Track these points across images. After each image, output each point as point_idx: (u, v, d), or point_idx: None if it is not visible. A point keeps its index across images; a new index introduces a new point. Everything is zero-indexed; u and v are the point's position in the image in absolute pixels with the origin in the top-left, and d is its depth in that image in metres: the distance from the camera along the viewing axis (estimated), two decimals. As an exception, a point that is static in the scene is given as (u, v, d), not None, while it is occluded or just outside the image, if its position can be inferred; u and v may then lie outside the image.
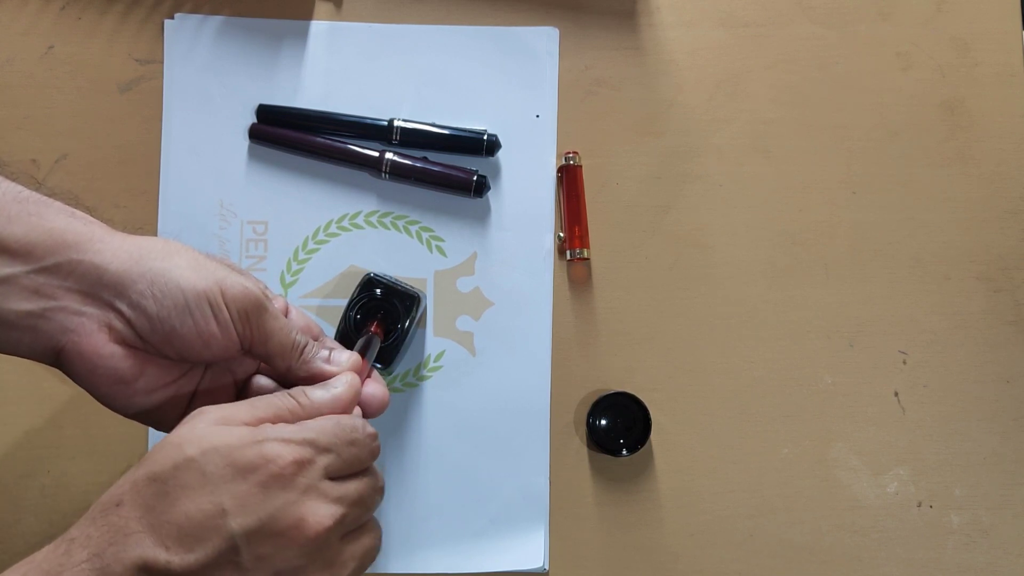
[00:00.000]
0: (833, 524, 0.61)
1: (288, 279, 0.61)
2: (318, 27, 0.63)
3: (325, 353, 0.47)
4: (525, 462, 0.60)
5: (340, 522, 0.40)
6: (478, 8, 0.63)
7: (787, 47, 0.64)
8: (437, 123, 0.62)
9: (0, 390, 0.60)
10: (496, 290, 0.62)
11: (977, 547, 0.61)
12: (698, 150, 0.63)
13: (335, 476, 0.41)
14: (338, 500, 0.40)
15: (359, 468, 0.43)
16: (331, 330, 0.60)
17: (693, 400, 0.61)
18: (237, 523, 0.37)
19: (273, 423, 0.41)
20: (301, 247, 0.62)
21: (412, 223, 0.62)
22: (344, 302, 0.57)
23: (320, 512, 0.39)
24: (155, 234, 0.61)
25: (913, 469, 0.61)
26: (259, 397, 0.43)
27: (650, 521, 0.60)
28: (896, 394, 0.62)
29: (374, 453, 0.44)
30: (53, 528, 0.59)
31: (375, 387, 0.48)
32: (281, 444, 0.39)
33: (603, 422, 0.59)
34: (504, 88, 0.63)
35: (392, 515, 0.60)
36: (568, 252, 0.62)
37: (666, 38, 0.64)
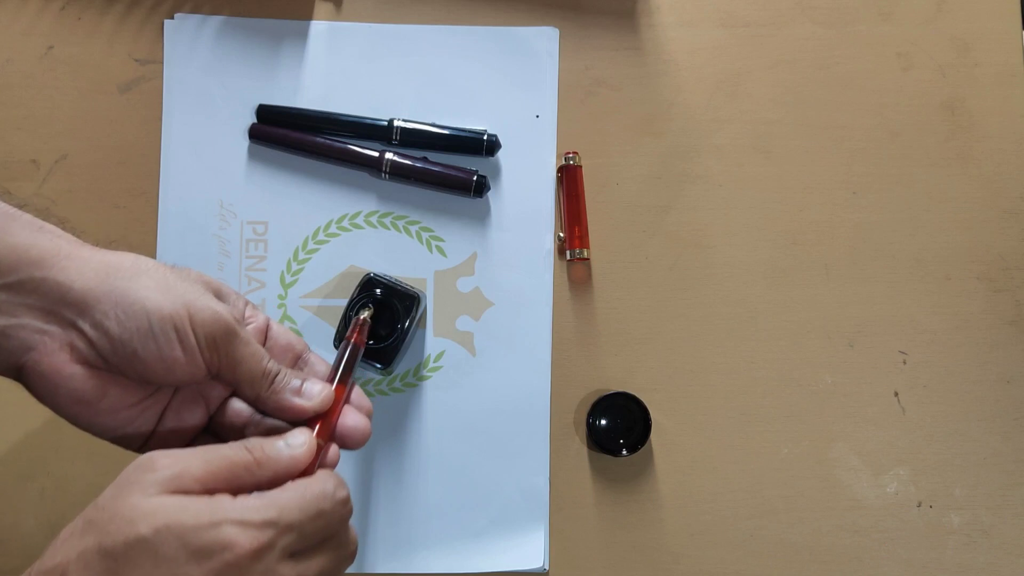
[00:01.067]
0: (833, 524, 0.61)
1: (288, 279, 0.61)
2: (318, 27, 0.63)
3: (296, 384, 0.44)
4: (525, 462, 0.60)
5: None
6: (478, 8, 0.63)
7: (787, 47, 0.64)
8: (437, 123, 0.62)
9: (0, 390, 0.60)
10: (496, 290, 0.62)
11: (977, 547, 0.61)
12: (698, 150, 0.63)
13: (297, 552, 0.39)
14: None
15: (325, 538, 0.40)
16: (331, 330, 0.60)
17: (693, 400, 0.61)
18: None
19: (228, 483, 0.38)
20: (301, 247, 0.62)
21: (412, 223, 0.62)
22: (344, 302, 0.58)
23: None
24: (155, 234, 0.61)
25: (913, 469, 0.61)
26: (214, 448, 0.39)
27: (650, 521, 0.60)
28: (896, 394, 0.62)
29: (344, 519, 0.41)
30: (53, 529, 0.59)
31: (355, 419, 0.45)
32: (239, 529, 0.36)
33: (603, 422, 0.59)
34: (504, 88, 0.63)
35: (392, 515, 0.60)
36: (568, 252, 0.62)
37: (666, 38, 0.64)
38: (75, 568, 0.35)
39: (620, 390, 0.60)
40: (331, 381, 0.46)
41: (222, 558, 0.36)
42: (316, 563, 0.39)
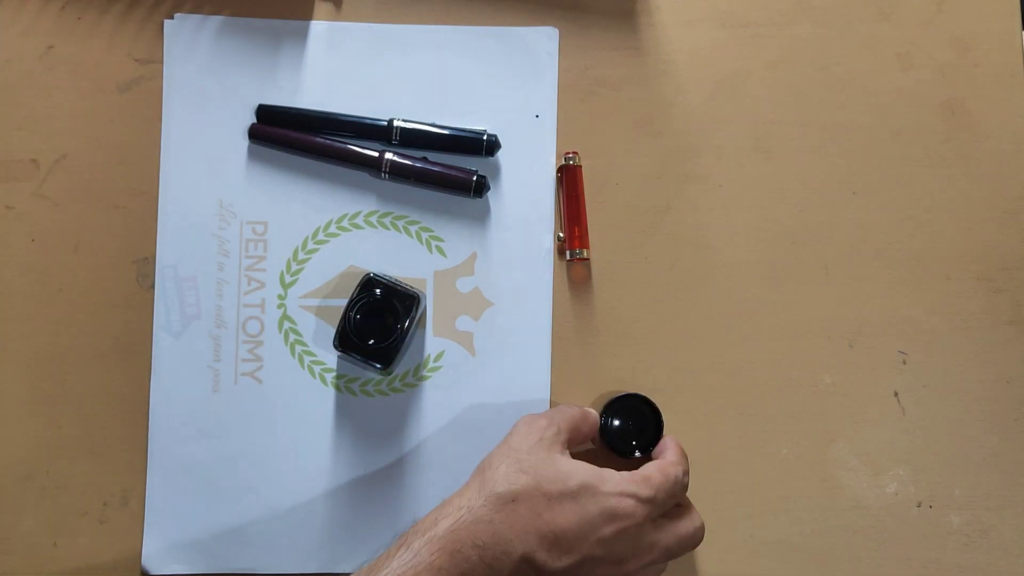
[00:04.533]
0: (833, 524, 0.61)
1: (288, 279, 0.61)
2: (318, 27, 0.63)
3: None
4: (525, 462, 0.60)
5: (651, 563, 0.52)
6: (478, 8, 0.63)
7: (787, 47, 0.64)
8: (437, 123, 0.62)
9: (0, 390, 0.60)
10: (496, 290, 0.62)
11: (977, 547, 0.61)
12: (698, 150, 0.63)
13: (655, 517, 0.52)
14: (652, 546, 0.51)
15: (676, 515, 0.54)
16: (330, 330, 0.60)
17: (693, 400, 0.61)
18: (593, 550, 0.50)
19: (576, 432, 0.55)
20: (301, 247, 0.62)
21: (412, 223, 0.62)
22: (344, 302, 0.58)
23: (642, 556, 0.51)
24: (155, 234, 0.61)
25: (913, 469, 0.61)
26: (560, 410, 0.56)
27: (650, 521, 0.60)
28: (896, 394, 0.62)
29: (682, 495, 0.54)
30: (53, 528, 0.59)
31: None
32: (635, 502, 0.51)
33: (616, 423, 0.59)
34: (504, 88, 0.63)
35: (392, 515, 0.60)
36: (568, 252, 0.62)
37: (666, 38, 0.64)
38: (524, 497, 0.50)
39: (633, 392, 0.59)
40: None
41: (623, 523, 0.50)
42: (672, 533, 0.53)
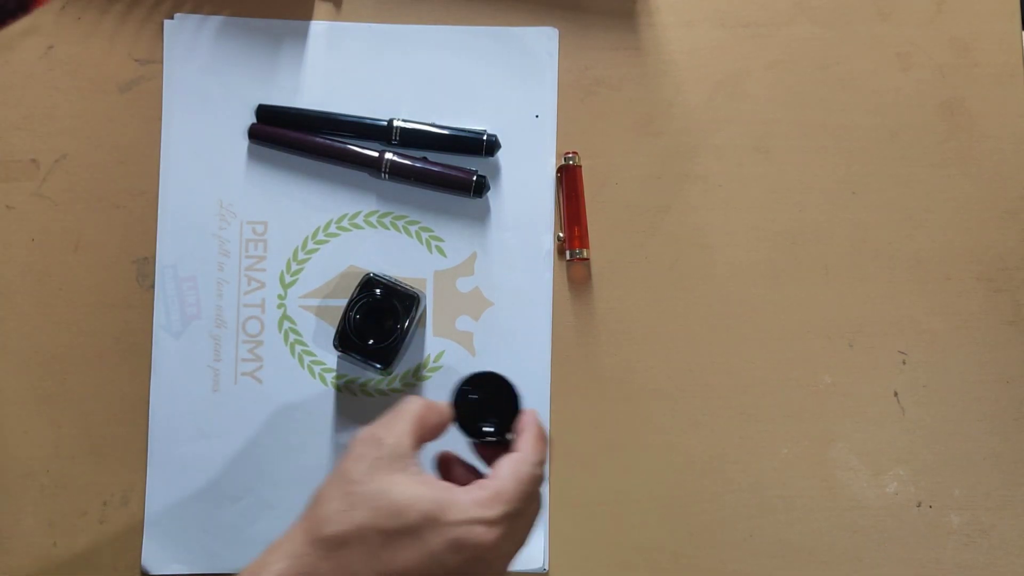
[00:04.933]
0: (833, 524, 0.61)
1: (288, 279, 0.61)
2: (318, 27, 0.63)
3: None
4: (525, 462, 0.60)
5: (509, 555, 0.47)
6: (478, 8, 0.63)
7: (787, 47, 0.64)
8: (437, 123, 0.62)
9: (0, 390, 0.60)
10: (496, 290, 0.62)
11: (977, 547, 0.61)
12: (698, 150, 0.63)
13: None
14: (510, 555, 0.47)
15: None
16: (330, 330, 0.60)
17: (693, 400, 0.61)
18: None
19: (422, 431, 0.48)
20: (301, 247, 0.62)
21: (412, 223, 0.62)
22: (344, 302, 0.58)
23: (498, 569, 0.46)
24: (155, 234, 0.61)
25: (913, 469, 0.61)
26: (399, 413, 0.48)
27: (650, 521, 0.60)
28: (896, 394, 0.62)
29: (538, 491, 0.48)
30: (53, 528, 0.59)
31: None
32: (485, 528, 0.44)
33: (470, 404, 0.52)
34: (504, 88, 0.63)
35: (392, 515, 0.60)
36: (568, 252, 0.62)
37: (666, 38, 0.64)
38: (355, 539, 0.43)
39: (489, 371, 0.52)
40: None
41: (473, 552, 0.44)
42: (523, 525, 0.47)
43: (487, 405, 0.51)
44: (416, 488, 0.45)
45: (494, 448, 0.50)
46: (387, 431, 0.47)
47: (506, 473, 0.46)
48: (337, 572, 0.43)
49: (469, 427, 0.51)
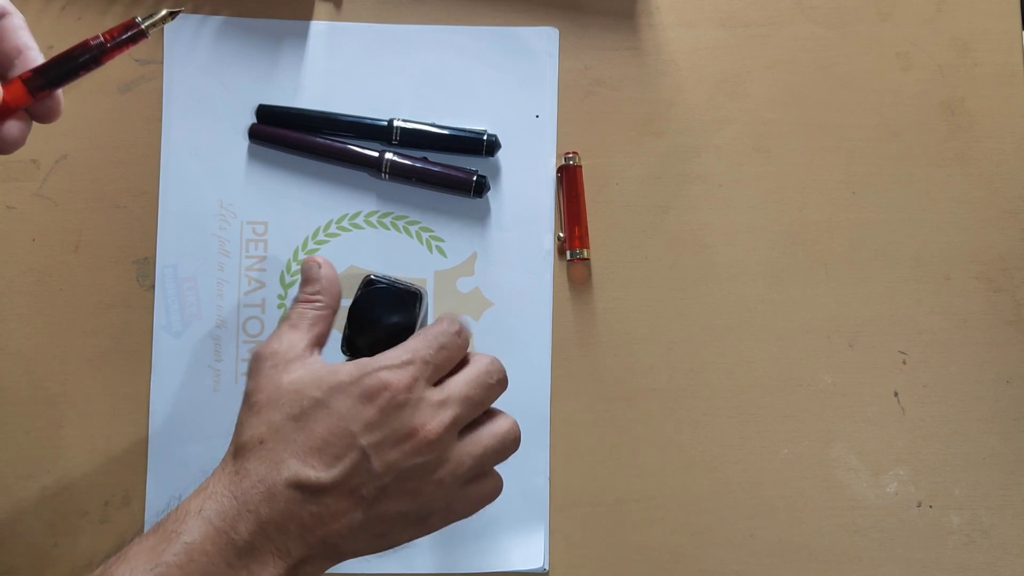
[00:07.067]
0: (833, 524, 0.61)
1: (288, 279, 0.61)
2: (318, 27, 0.63)
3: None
4: (524, 462, 0.60)
5: (453, 423, 0.46)
6: (478, 8, 0.63)
7: (787, 47, 0.64)
8: (437, 123, 0.62)
9: (0, 390, 0.60)
10: (496, 290, 0.62)
11: (977, 547, 0.61)
12: (698, 150, 0.63)
13: (436, 380, 0.47)
14: (444, 403, 0.46)
15: (454, 364, 0.48)
16: (335, 335, 0.60)
17: (693, 400, 0.61)
18: (366, 440, 0.44)
19: (317, 332, 0.49)
20: (301, 247, 0.62)
21: (412, 223, 0.62)
22: (344, 303, 0.57)
23: (432, 421, 0.45)
24: (155, 234, 0.61)
25: (913, 469, 0.61)
26: (287, 320, 0.50)
27: (650, 521, 0.60)
28: (896, 394, 0.62)
29: (463, 347, 0.48)
30: (53, 528, 0.59)
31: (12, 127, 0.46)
32: (388, 372, 0.45)
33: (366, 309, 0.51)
34: (504, 88, 0.63)
35: (392, 515, 0.60)
36: (568, 252, 0.62)
37: (666, 38, 0.64)
38: (269, 434, 0.45)
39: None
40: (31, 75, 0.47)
41: (384, 397, 0.45)
42: (456, 386, 0.47)
43: (383, 319, 0.51)
44: (313, 370, 0.47)
45: None
46: (279, 341, 0.49)
47: (414, 338, 0.48)
48: (261, 464, 0.44)
49: (356, 351, 0.51)
